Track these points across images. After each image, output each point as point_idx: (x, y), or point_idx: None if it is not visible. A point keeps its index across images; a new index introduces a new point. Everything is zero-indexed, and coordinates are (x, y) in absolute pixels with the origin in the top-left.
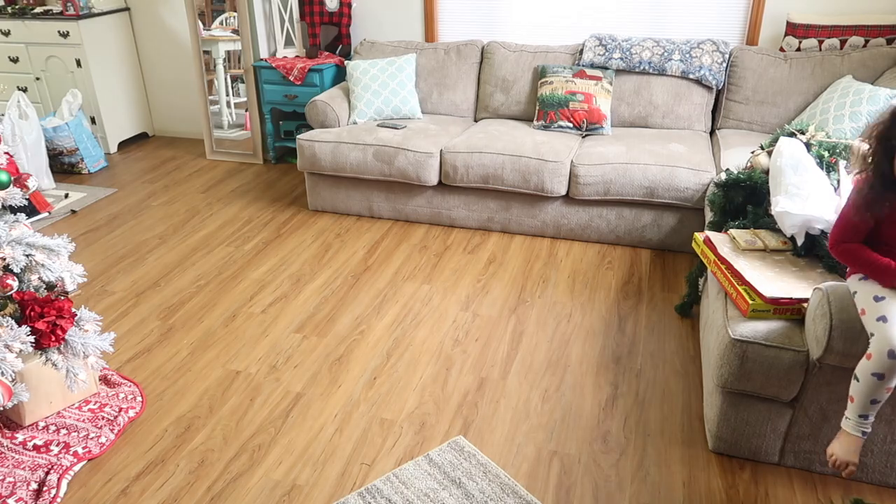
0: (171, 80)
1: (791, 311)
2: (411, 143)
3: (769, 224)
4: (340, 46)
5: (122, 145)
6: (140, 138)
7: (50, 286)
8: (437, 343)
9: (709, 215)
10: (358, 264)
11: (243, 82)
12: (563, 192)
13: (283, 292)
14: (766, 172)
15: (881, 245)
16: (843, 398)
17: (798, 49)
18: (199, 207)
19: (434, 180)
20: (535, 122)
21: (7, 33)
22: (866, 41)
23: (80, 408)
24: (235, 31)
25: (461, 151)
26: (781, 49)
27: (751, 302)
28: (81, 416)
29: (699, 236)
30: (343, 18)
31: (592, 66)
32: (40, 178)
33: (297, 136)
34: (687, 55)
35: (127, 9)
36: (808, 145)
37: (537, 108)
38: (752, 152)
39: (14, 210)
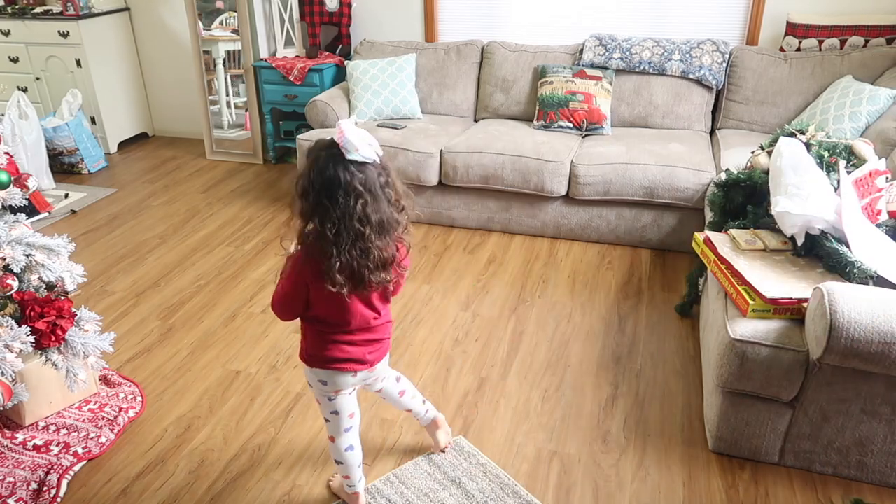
0: (171, 80)
1: (791, 311)
2: (411, 143)
3: (769, 224)
4: (340, 46)
5: (122, 145)
6: (140, 138)
7: (50, 286)
8: (437, 343)
9: (709, 215)
10: None
11: (243, 82)
12: (563, 192)
13: None
14: (766, 172)
15: None
16: (843, 398)
17: (798, 49)
18: (199, 207)
19: (434, 180)
20: (535, 122)
21: (7, 33)
22: (866, 41)
23: (80, 408)
24: (235, 31)
25: (461, 151)
26: (781, 49)
27: (751, 302)
28: (81, 416)
29: (699, 236)
30: (343, 18)
31: (592, 66)
32: (40, 178)
33: (297, 136)
34: (687, 55)
35: (127, 9)
36: (808, 145)
37: (537, 108)
38: (752, 152)
39: (14, 210)
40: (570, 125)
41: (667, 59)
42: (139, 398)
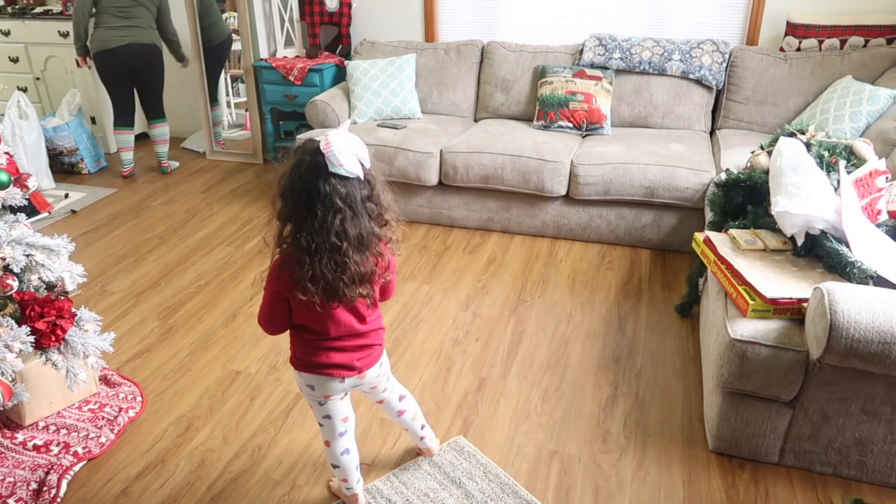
0: (171, 80)
1: (791, 311)
2: (411, 143)
3: (769, 224)
4: (340, 46)
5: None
6: (140, 138)
7: (50, 286)
8: (437, 343)
9: (709, 215)
10: None
11: (243, 82)
12: (563, 192)
13: None
14: (766, 172)
15: None
16: (843, 398)
17: (798, 49)
18: (199, 207)
19: (434, 180)
20: (535, 122)
21: (7, 33)
22: (866, 41)
23: (80, 408)
24: (235, 31)
25: (461, 151)
26: (781, 49)
27: (751, 302)
28: (81, 416)
29: (699, 236)
30: (343, 18)
31: (592, 66)
32: (40, 178)
33: (297, 136)
34: (687, 55)
35: None
36: (807, 145)
37: (537, 108)
38: (752, 152)
39: (14, 210)
40: (570, 125)
41: (667, 59)
42: (139, 398)
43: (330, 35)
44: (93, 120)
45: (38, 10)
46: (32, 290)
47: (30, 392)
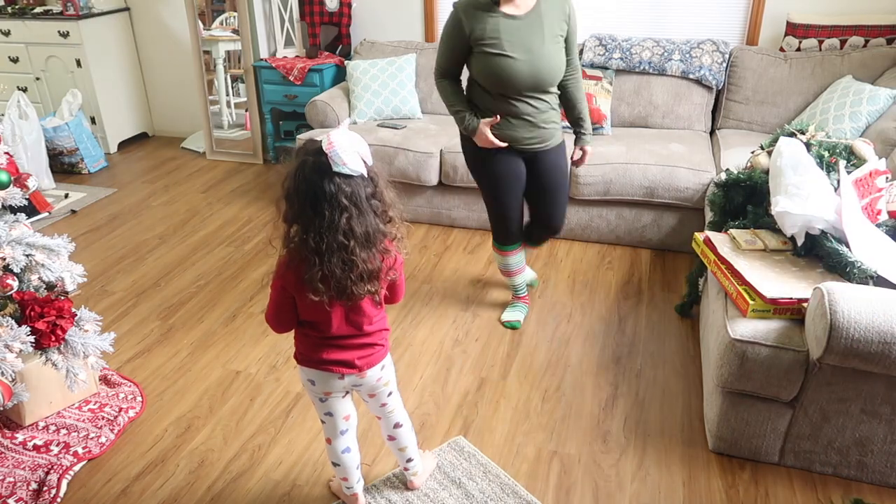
0: (171, 80)
1: (791, 311)
2: (411, 143)
3: (769, 224)
4: (340, 46)
5: (122, 145)
6: (140, 138)
7: (50, 286)
8: (437, 343)
9: (709, 215)
10: None
11: (243, 82)
12: None
13: None
14: (766, 172)
15: None
16: (843, 398)
17: (798, 49)
18: (199, 207)
19: (434, 180)
20: None
21: (7, 33)
22: (866, 41)
23: (80, 408)
24: (235, 31)
25: (461, 152)
26: (781, 49)
27: (751, 302)
28: (81, 416)
29: (699, 236)
30: (343, 18)
31: (592, 66)
32: (40, 178)
33: (298, 136)
34: (687, 55)
35: (127, 9)
36: (807, 145)
37: None
38: (752, 152)
39: (14, 210)
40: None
41: (667, 59)
42: (139, 398)
43: (330, 35)
44: (93, 120)
45: (38, 10)
46: (32, 290)
47: (30, 392)
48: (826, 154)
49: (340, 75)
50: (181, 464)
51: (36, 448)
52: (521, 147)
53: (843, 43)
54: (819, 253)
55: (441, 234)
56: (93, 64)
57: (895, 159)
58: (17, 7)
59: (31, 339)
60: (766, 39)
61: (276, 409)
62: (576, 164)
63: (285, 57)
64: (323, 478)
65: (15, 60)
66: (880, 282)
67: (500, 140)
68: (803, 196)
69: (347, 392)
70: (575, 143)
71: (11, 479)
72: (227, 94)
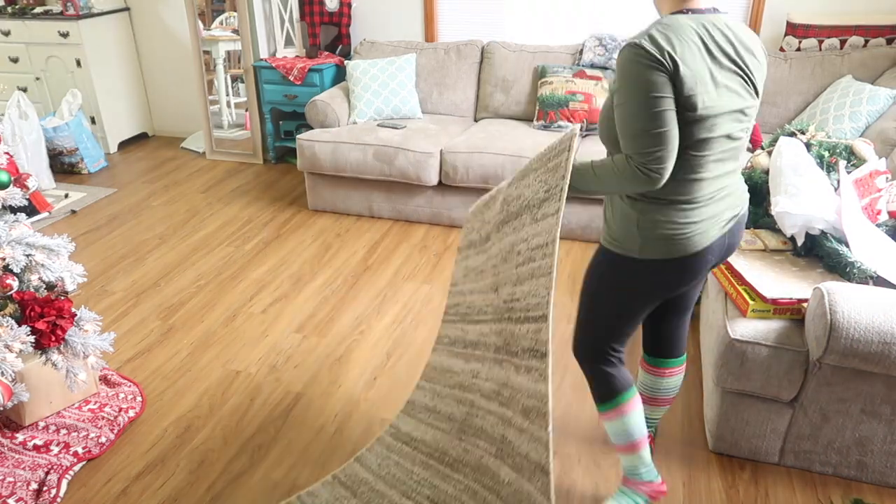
0: (171, 80)
1: (791, 311)
2: (411, 143)
3: (769, 224)
4: (340, 46)
5: (122, 145)
6: (140, 138)
7: (50, 286)
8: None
9: None
10: (358, 264)
11: (243, 82)
12: None
13: (283, 292)
14: (766, 172)
15: None
16: (843, 398)
17: (798, 49)
18: (199, 207)
19: (434, 180)
20: (535, 122)
21: (7, 33)
22: (866, 41)
23: (80, 408)
24: (235, 31)
25: (461, 151)
26: (781, 49)
27: (751, 302)
28: (81, 416)
29: None
30: (343, 18)
31: (592, 66)
32: (40, 178)
33: (297, 136)
34: None
35: (127, 9)
36: (807, 145)
37: (537, 108)
38: (750, 150)
39: (14, 210)
40: (570, 125)
41: None
42: (139, 398)
43: (330, 35)
44: (93, 120)
45: (38, 10)
46: (32, 290)
47: (30, 392)
48: (826, 154)
49: (340, 75)
50: (181, 464)
51: (36, 448)
52: None
53: (843, 43)
54: (819, 253)
55: (441, 234)
56: (93, 64)
57: (895, 159)
58: (17, 7)
59: (31, 339)
60: (766, 39)
61: (276, 409)
62: None
63: (285, 57)
64: (323, 477)
65: (15, 60)
66: (880, 282)
67: None
68: (803, 196)
69: None
70: None
71: (11, 479)
72: (227, 94)
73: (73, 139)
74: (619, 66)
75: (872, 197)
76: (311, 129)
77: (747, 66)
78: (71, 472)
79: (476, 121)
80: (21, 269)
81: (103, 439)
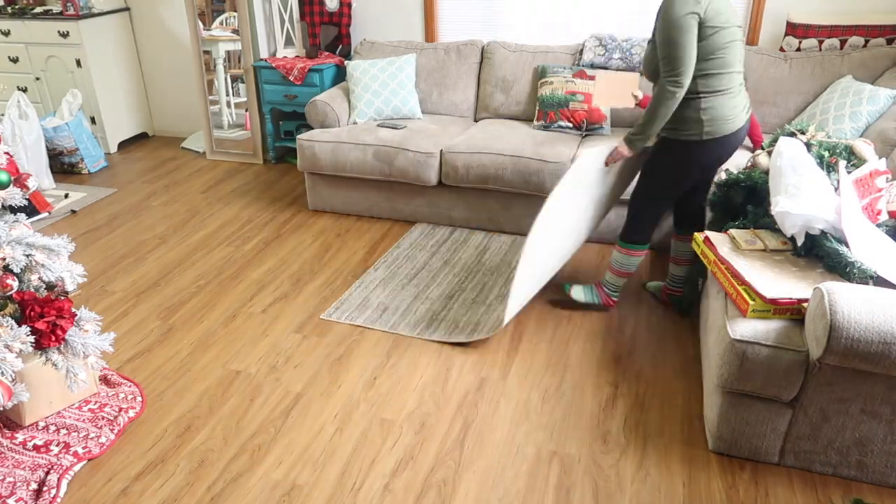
0: (171, 80)
1: (791, 311)
2: (411, 143)
3: (769, 224)
4: (340, 46)
5: (122, 145)
6: (140, 138)
7: (50, 286)
8: (438, 343)
9: (709, 215)
10: (358, 264)
11: (243, 82)
12: None
13: (283, 292)
14: (767, 173)
15: None
16: (843, 398)
17: (798, 49)
18: (199, 207)
19: (434, 180)
20: (535, 122)
21: (7, 33)
22: (866, 41)
23: (80, 408)
24: (235, 31)
25: (461, 151)
26: (781, 49)
27: (751, 302)
28: (81, 416)
29: (699, 236)
30: (343, 18)
31: (592, 66)
32: (40, 178)
33: (297, 136)
34: None
35: (127, 9)
36: (807, 145)
37: (537, 108)
38: (751, 150)
39: (14, 210)
40: (570, 125)
41: None
42: (139, 398)
43: (330, 35)
44: (93, 120)
45: (38, 10)
46: (32, 290)
47: (30, 392)
48: (826, 154)
49: (340, 75)
50: (181, 464)
51: (36, 448)
52: None
53: (843, 43)
54: (819, 253)
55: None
56: (93, 64)
57: (895, 159)
58: (17, 7)
59: (31, 339)
60: (766, 39)
61: (276, 409)
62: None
63: (285, 57)
64: (323, 478)
65: (15, 60)
66: (880, 282)
67: None
68: (803, 196)
69: None
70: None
71: (11, 479)
72: (227, 94)
73: (73, 139)
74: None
75: (872, 197)
76: (311, 129)
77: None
78: (71, 472)
79: (476, 121)
80: (21, 269)
81: (103, 439)
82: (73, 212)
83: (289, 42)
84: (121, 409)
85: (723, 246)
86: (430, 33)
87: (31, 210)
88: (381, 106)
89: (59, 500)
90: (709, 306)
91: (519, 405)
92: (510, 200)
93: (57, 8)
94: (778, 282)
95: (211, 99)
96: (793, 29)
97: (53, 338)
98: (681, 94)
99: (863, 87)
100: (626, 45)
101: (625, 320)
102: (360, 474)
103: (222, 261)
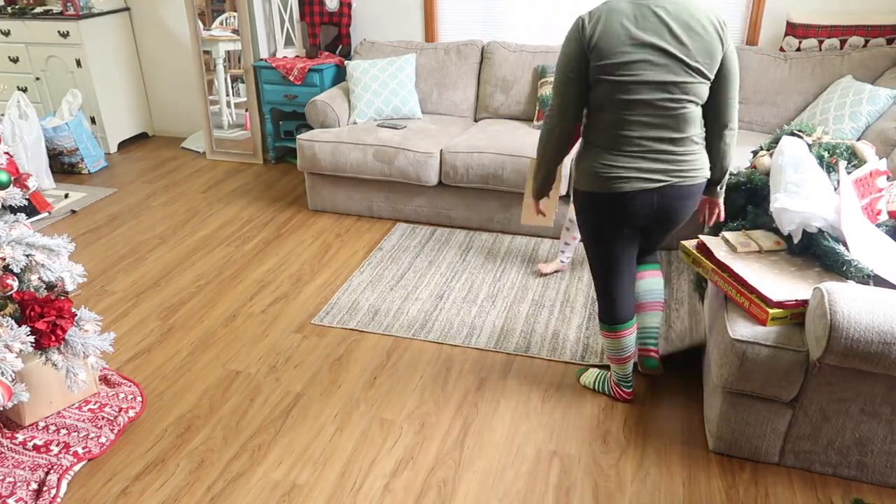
0: (171, 81)
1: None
2: (411, 143)
3: (768, 223)
4: (340, 46)
5: (122, 145)
6: (140, 138)
7: (50, 286)
8: (437, 343)
9: None
10: (358, 264)
11: (243, 82)
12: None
13: (283, 292)
14: (768, 174)
15: None
16: (843, 398)
17: (798, 49)
18: (199, 207)
19: (434, 180)
20: (535, 123)
21: (7, 33)
22: (866, 41)
23: (80, 408)
24: (235, 31)
25: (461, 151)
26: (781, 49)
27: (770, 311)
28: (81, 416)
29: (688, 245)
30: (343, 18)
31: None
32: (40, 178)
33: (298, 136)
34: None
35: (127, 9)
36: (808, 145)
37: (537, 108)
38: (754, 152)
39: (14, 210)
40: None
41: None
42: (139, 398)
43: (330, 35)
44: (93, 120)
45: (38, 10)
46: (32, 290)
47: (30, 392)
48: (826, 154)
49: (340, 75)
50: (181, 464)
51: (36, 448)
52: None
53: (843, 43)
54: (815, 252)
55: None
56: (93, 64)
57: (895, 159)
58: (17, 7)
59: (31, 339)
60: (766, 39)
61: (276, 409)
62: None
63: (285, 57)
64: (323, 478)
65: (15, 60)
66: (880, 282)
67: None
68: (803, 195)
69: None
70: None
71: (11, 479)
72: (227, 94)
73: (73, 139)
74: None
75: (873, 197)
76: (311, 129)
77: (682, 44)
78: (71, 472)
79: (476, 121)
80: (21, 269)
81: (103, 439)
82: (73, 212)
83: (289, 42)
84: (121, 409)
85: (719, 250)
86: (430, 33)
87: (31, 210)
88: (381, 106)
89: (59, 500)
90: (709, 306)
91: (519, 405)
92: (510, 200)
93: (57, 8)
94: (779, 283)
95: (211, 99)
96: (793, 29)
97: (53, 338)
98: (556, 128)
99: (863, 87)
100: None
101: None
102: (360, 474)
103: (222, 261)
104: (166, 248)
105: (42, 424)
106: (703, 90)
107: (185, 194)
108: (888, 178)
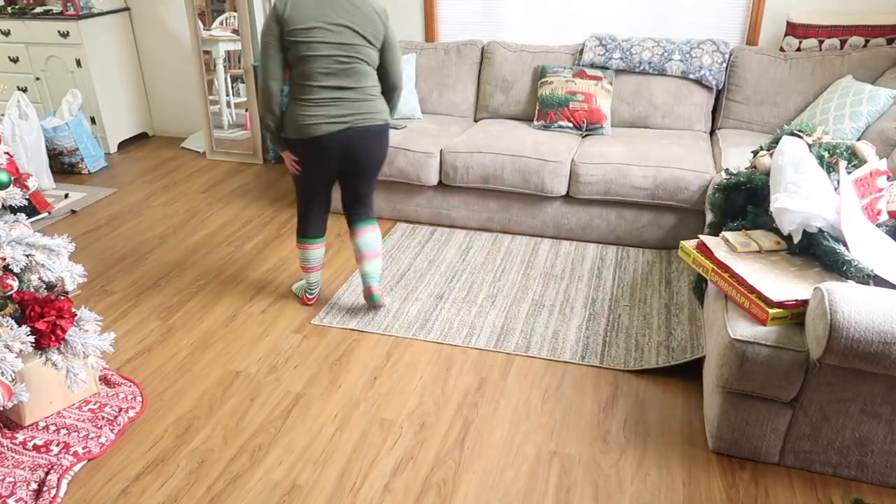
0: (171, 81)
1: (796, 312)
2: (411, 143)
3: (768, 223)
4: None
5: (122, 145)
6: (140, 138)
7: (50, 286)
8: (437, 343)
9: (709, 217)
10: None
11: (243, 82)
12: (564, 192)
13: (283, 292)
14: (768, 174)
15: None
16: (843, 398)
17: (798, 49)
18: (199, 207)
19: (434, 180)
20: (535, 122)
21: (7, 33)
22: (866, 41)
23: (80, 408)
24: (235, 31)
25: (461, 151)
26: (781, 49)
27: (770, 311)
28: (81, 416)
29: (687, 245)
30: None
31: (592, 66)
32: (40, 178)
33: None
34: (687, 55)
35: (127, 9)
36: (808, 145)
37: (537, 108)
38: (753, 152)
39: (14, 210)
40: (570, 125)
41: (667, 59)
42: (139, 398)
43: None
44: (93, 120)
45: (38, 10)
46: (32, 290)
47: (30, 392)
48: (826, 154)
49: None
50: (181, 464)
51: (36, 448)
52: None
53: (843, 43)
54: (815, 251)
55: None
56: (93, 64)
57: (895, 159)
58: (17, 7)
59: (31, 339)
60: (766, 39)
61: (276, 409)
62: None
63: None
64: (323, 478)
65: (15, 60)
66: (880, 282)
67: None
68: (803, 194)
69: None
70: None
71: (11, 479)
72: (227, 94)
73: (73, 139)
74: None
75: (873, 197)
76: None
77: (354, 19)
78: (71, 472)
79: (476, 121)
80: (21, 269)
81: (103, 439)
82: (73, 212)
83: None
84: (121, 409)
85: (719, 250)
86: (430, 33)
87: (31, 210)
88: None
89: (59, 500)
90: (709, 307)
91: (519, 405)
92: (510, 200)
93: (57, 8)
94: (779, 283)
95: (211, 99)
96: (793, 29)
97: (53, 338)
98: (266, 88)
99: (863, 87)
100: (626, 45)
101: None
102: (360, 474)
103: (222, 261)
104: (166, 248)
105: (42, 424)
106: (372, 53)
107: (185, 194)
108: (888, 178)
